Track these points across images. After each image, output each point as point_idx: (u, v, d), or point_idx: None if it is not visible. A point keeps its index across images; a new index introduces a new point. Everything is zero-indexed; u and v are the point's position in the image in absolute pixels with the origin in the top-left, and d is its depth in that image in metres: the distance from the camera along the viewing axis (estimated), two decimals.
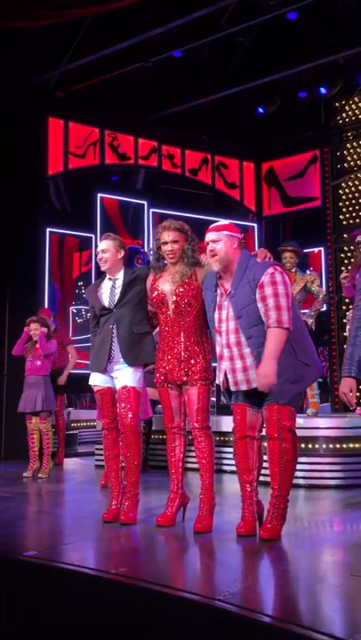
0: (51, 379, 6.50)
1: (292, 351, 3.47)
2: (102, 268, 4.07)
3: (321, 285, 6.53)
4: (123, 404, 3.95)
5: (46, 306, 8.03)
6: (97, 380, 4.09)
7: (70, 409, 9.17)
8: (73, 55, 8.12)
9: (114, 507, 4.02)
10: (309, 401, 6.22)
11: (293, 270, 6.36)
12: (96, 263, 4.46)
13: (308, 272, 6.60)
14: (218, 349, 3.62)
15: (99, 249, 4.09)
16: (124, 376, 3.98)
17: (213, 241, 3.54)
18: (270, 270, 3.47)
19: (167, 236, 3.80)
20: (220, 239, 3.54)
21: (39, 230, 8.55)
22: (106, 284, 4.08)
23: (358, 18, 7.85)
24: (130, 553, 3.45)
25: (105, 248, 4.06)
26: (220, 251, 3.52)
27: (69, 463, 7.51)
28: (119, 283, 4.02)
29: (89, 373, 4.19)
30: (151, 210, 9.59)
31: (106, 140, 9.24)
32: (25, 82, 8.35)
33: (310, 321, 6.34)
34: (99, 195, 9.27)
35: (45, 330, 6.28)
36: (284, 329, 3.39)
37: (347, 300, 8.43)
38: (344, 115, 9.61)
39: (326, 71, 8.85)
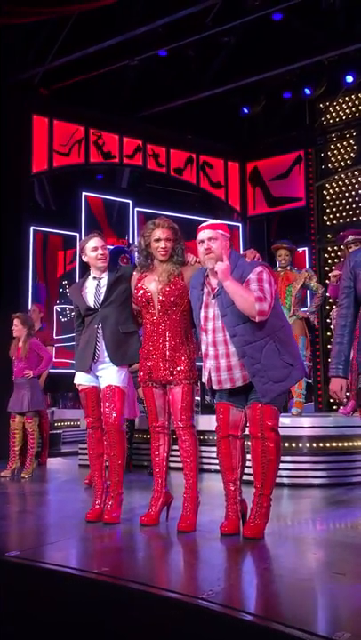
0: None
1: (276, 351, 3.48)
2: (102, 265, 4.01)
3: (319, 281, 6.58)
4: (107, 404, 3.94)
5: (30, 305, 7.98)
6: (82, 378, 4.08)
7: (54, 408, 9.12)
8: (58, 52, 8.08)
9: (97, 506, 4.01)
10: (295, 400, 6.24)
11: (288, 268, 6.40)
12: (81, 262, 4.42)
13: (305, 270, 6.64)
14: (203, 348, 3.62)
15: (96, 245, 4.00)
16: (109, 375, 3.97)
17: (210, 239, 3.53)
18: (259, 269, 3.49)
19: (162, 233, 3.78)
20: (216, 237, 3.53)
21: (23, 228, 8.49)
22: (90, 284, 4.05)
23: (343, 19, 7.90)
24: (113, 552, 3.44)
25: (104, 244, 4.04)
26: (216, 249, 3.51)
27: (53, 463, 7.47)
28: (104, 282, 4.00)
29: (73, 373, 4.18)
30: (136, 209, 9.58)
31: (91, 138, 9.21)
32: (9, 79, 8.29)
33: (313, 317, 6.36)
34: (83, 193, 9.24)
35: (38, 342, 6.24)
36: (255, 309, 3.36)
37: (331, 300, 8.47)
38: (328, 116, 9.66)
39: (311, 72, 8.89)
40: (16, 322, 6.18)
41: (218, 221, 3.67)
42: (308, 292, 6.61)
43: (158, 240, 3.78)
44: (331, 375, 3.22)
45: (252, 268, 3.48)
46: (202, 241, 3.55)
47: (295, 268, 6.48)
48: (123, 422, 4.02)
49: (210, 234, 3.54)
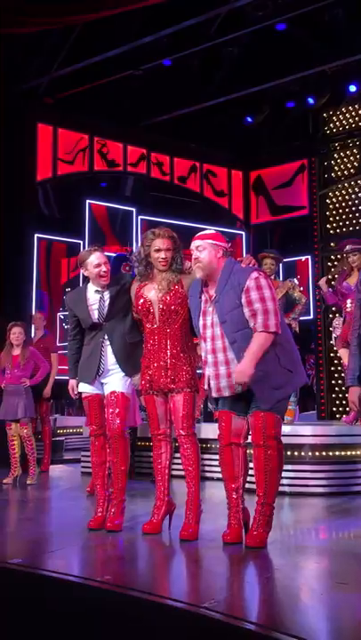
0: (38, 386, 6.48)
1: (275, 357, 3.48)
2: (105, 283, 3.98)
3: (302, 291, 6.62)
4: (110, 410, 3.94)
5: (34, 312, 8.00)
6: (85, 387, 4.07)
7: (57, 415, 9.13)
8: (63, 62, 8.14)
9: (100, 514, 4.00)
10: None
11: (273, 277, 6.46)
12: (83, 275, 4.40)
13: (289, 280, 6.68)
14: (203, 355, 3.64)
15: (99, 261, 3.96)
16: (114, 382, 3.97)
17: (197, 248, 3.57)
18: (255, 275, 3.50)
19: (161, 243, 3.79)
20: (204, 247, 3.56)
21: (27, 236, 8.53)
22: (93, 297, 4.03)
23: (346, 29, 7.94)
24: (115, 560, 3.44)
25: (106, 260, 4.02)
26: (203, 259, 3.55)
27: (55, 470, 7.46)
28: (107, 295, 3.99)
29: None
30: (140, 217, 9.61)
31: (95, 146, 9.26)
32: (15, 88, 8.35)
33: (294, 324, 6.40)
34: (87, 201, 9.28)
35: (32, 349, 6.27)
36: (270, 333, 3.43)
37: (334, 309, 8.48)
38: (332, 125, 9.70)
39: (314, 81, 8.94)
40: (19, 330, 6.19)
41: (211, 231, 3.70)
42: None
43: (158, 250, 3.79)
44: (348, 385, 3.42)
45: (248, 274, 3.50)
46: (192, 250, 3.61)
47: (278, 278, 6.55)
48: (126, 429, 4.03)
49: (198, 243, 3.58)
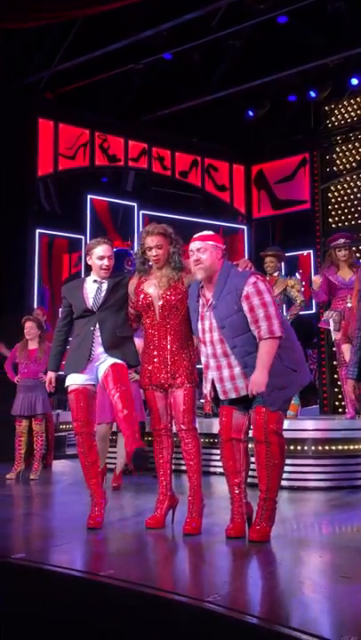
0: None
1: (278, 358, 3.47)
2: (105, 275, 3.95)
3: (301, 291, 6.53)
4: (117, 384, 3.76)
5: (35, 307, 8.01)
6: (74, 377, 3.93)
7: (59, 411, 9.14)
8: (63, 56, 8.12)
9: (97, 513, 3.92)
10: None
11: (276, 274, 6.44)
12: (86, 265, 4.39)
13: (291, 277, 6.65)
14: (203, 359, 3.64)
15: (104, 254, 3.94)
16: (109, 360, 3.84)
17: (198, 250, 3.55)
18: (252, 279, 3.49)
19: (151, 241, 3.79)
20: (205, 249, 3.55)
21: (29, 231, 8.53)
22: (91, 286, 4.01)
23: (348, 22, 7.91)
24: (119, 555, 3.44)
25: (111, 254, 4.00)
26: (205, 260, 3.54)
27: (58, 465, 7.48)
28: (105, 286, 3.97)
29: None
30: (141, 211, 9.60)
31: (96, 141, 9.24)
32: (15, 83, 8.34)
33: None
34: (89, 196, 9.27)
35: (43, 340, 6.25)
36: (275, 338, 3.42)
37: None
38: (333, 118, 9.67)
39: (316, 75, 8.90)
40: (31, 324, 6.17)
41: (210, 232, 3.69)
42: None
43: (150, 248, 3.80)
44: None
45: (245, 279, 3.48)
46: (192, 252, 3.59)
47: (283, 275, 6.49)
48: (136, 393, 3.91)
49: (199, 245, 3.56)
